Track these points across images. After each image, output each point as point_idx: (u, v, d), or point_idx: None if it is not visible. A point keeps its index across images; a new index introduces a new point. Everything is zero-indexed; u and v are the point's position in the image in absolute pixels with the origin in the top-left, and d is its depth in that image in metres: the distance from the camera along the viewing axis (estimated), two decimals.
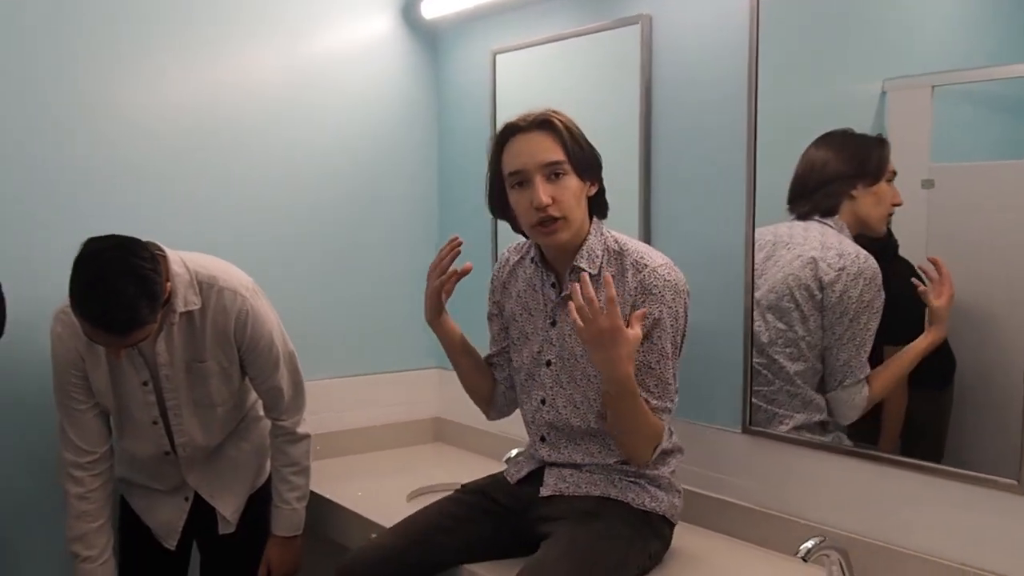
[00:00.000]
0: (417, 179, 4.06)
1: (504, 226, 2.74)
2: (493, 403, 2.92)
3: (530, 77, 3.59)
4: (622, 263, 2.54)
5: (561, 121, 2.52)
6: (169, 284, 2.71)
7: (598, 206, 2.62)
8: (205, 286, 2.83)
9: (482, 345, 2.92)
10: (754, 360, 2.78)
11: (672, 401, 2.52)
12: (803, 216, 2.70)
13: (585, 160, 2.54)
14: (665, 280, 2.48)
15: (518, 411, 2.86)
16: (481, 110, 3.76)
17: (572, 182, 2.50)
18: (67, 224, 3.15)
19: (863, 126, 2.57)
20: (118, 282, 2.49)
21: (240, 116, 3.60)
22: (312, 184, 3.78)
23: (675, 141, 3.02)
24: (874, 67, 2.57)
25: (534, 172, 2.49)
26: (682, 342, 2.56)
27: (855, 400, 2.59)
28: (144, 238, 2.67)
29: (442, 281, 2.73)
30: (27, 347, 3.03)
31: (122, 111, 3.35)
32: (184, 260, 2.81)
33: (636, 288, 2.50)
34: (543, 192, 2.47)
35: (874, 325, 2.55)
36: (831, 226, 2.63)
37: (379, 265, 3.98)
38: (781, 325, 2.71)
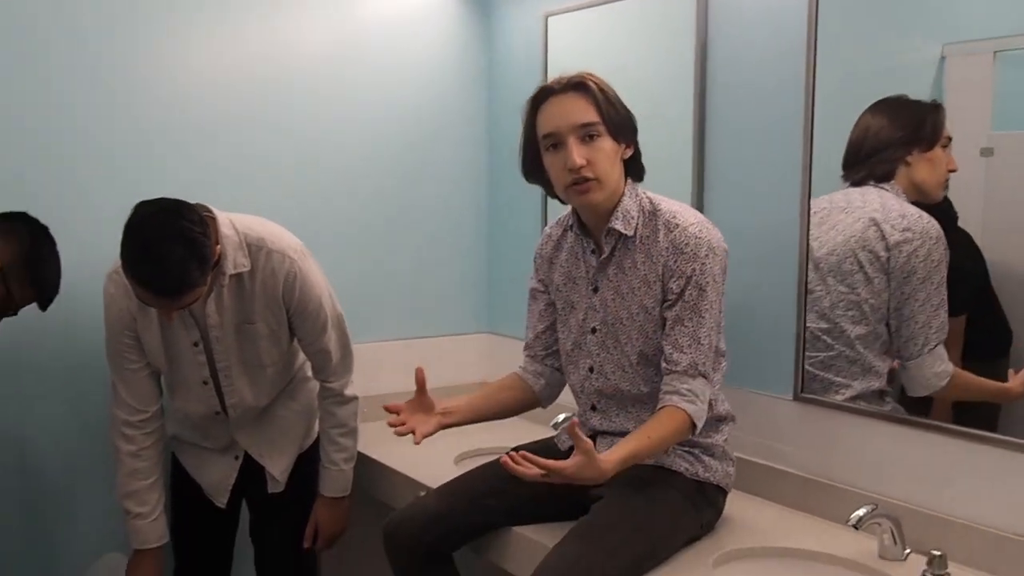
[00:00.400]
0: (467, 143, 4.04)
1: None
2: (539, 401, 2.91)
3: (583, 40, 3.56)
4: (655, 223, 2.53)
5: (595, 83, 2.51)
6: (218, 246, 2.72)
7: (634, 169, 2.61)
8: (254, 248, 2.83)
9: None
10: (814, 325, 2.75)
11: (707, 366, 2.47)
12: (858, 183, 2.67)
13: (620, 122, 2.52)
14: (697, 238, 2.46)
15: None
16: (532, 73, 3.72)
17: (606, 144, 2.49)
18: (120, 186, 3.18)
19: (921, 92, 2.53)
20: (168, 245, 2.50)
21: (291, 81, 3.59)
22: (362, 148, 3.78)
23: (730, 105, 2.98)
24: (933, 31, 2.52)
25: (568, 134, 2.47)
26: (721, 303, 2.54)
27: (938, 367, 2.54)
28: (194, 201, 2.68)
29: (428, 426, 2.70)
30: (81, 306, 3.06)
31: (175, 76, 3.37)
32: (233, 222, 2.82)
33: (668, 248, 2.49)
34: (577, 154, 2.46)
35: (944, 285, 2.51)
36: (888, 190, 2.60)
37: (428, 229, 3.97)
38: (843, 288, 2.68)
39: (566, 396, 2.85)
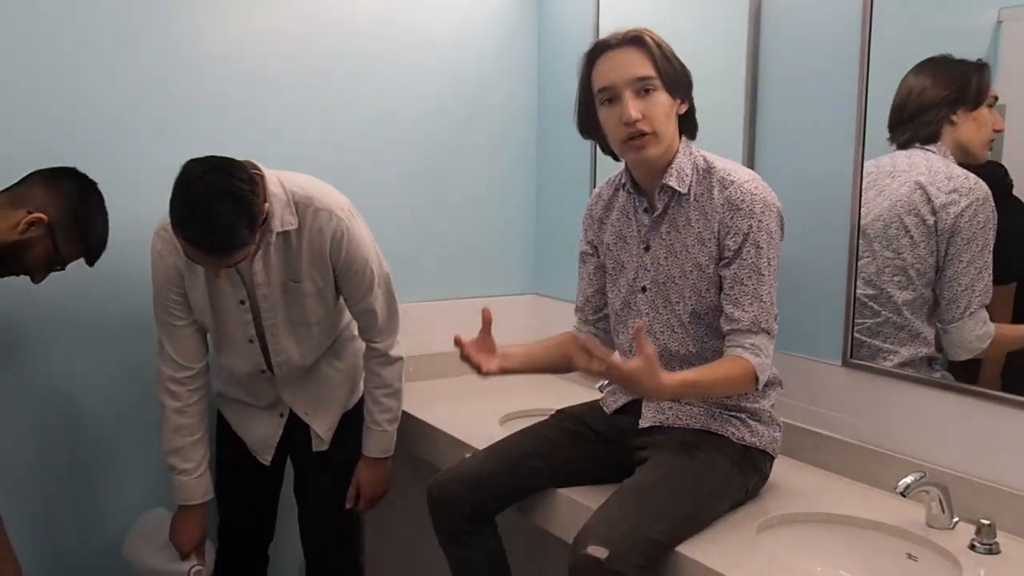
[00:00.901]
0: (517, 103, 4.02)
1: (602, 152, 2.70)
2: None
3: None
4: (710, 180, 2.52)
5: (652, 38, 2.49)
6: (267, 204, 2.72)
7: (688, 126, 2.59)
8: (301, 206, 2.83)
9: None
10: (860, 292, 2.73)
11: (769, 322, 2.46)
12: (904, 145, 2.64)
13: (676, 77, 2.50)
14: (752, 195, 2.45)
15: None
16: (584, 30, 3.69)
17: (662, 98, 2.47)
18: (169, 142, 3.20)
19: (977, 55, 2.48)
20: (217, 204, 2.51)
21: (341, 41, 3.59)
22: (411, 108, 3.76)
23: (783, 65, 2.95)
24: None
25: (623, 88, 2.46)
26: (778, 261, 2.52)
27: (979, 330, 2.51)
28: (243, 158, 2.68)
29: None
30: (129, 262, 3.07)
31: (226, 34, 3.37)
32: (281, 180, 2.82)
33: (723, 205, 2.47)
34: (632, 107, 2.44)
35: (991, 248, 2.48)
36: (934, 152, 2.57)
37: (477, 190, 3.96)
38: (889, 253, 2.66)
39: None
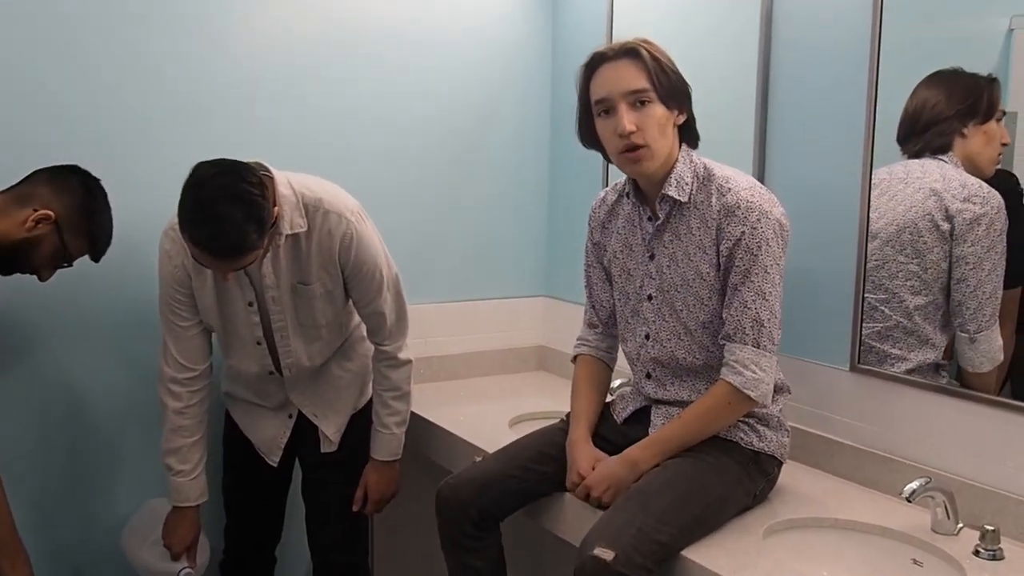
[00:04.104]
0: (529, 106, 4.02)
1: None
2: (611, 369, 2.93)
3: (649, 3, 3.52)
4: (709, 188, 2.52)
5: (648, 50, 2.49)
6: (276, 207, 2.72)
7: (688, 135, 2.60)
8: (311, 208, 2.83)
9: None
10: (871, 296, 2.73)
11: (758, 332, 2.44)
12: (916, 155, 2.64)
13: (672, 88, 2.50)
14: (748, 202, 2.45)
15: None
16: (597, 35, 3.68)
17: (657, 110, 2.48)
18: (178, 141, 3.23)
19: (987, 64, 2.48)
20: (227, 208, 2.51)
21: (354, 43, 3.60)
22: (423, 110, 3.77)
23: (794, 72, 2.94)
24: (1002, 3, 2.46)
25: (619, 100, 2.47)
26: (779, 271, 2.49)
27: (1000, 340, 2.50)
28: (253, 158, 2.69)
29: None
30: (136, 260, 3.10)
31: (237, 35, 3.38)
32: (291, 181, 2.82)
33: (719, 211, 2.47)
34: (627, 120, 2.46)
35: (1004, 257, 2.48)
36: (947, 161, 2.57)
37: (488, 192, 3.97)
38: (902, 258, 2.66)
39: (623, 361, 2.85)
